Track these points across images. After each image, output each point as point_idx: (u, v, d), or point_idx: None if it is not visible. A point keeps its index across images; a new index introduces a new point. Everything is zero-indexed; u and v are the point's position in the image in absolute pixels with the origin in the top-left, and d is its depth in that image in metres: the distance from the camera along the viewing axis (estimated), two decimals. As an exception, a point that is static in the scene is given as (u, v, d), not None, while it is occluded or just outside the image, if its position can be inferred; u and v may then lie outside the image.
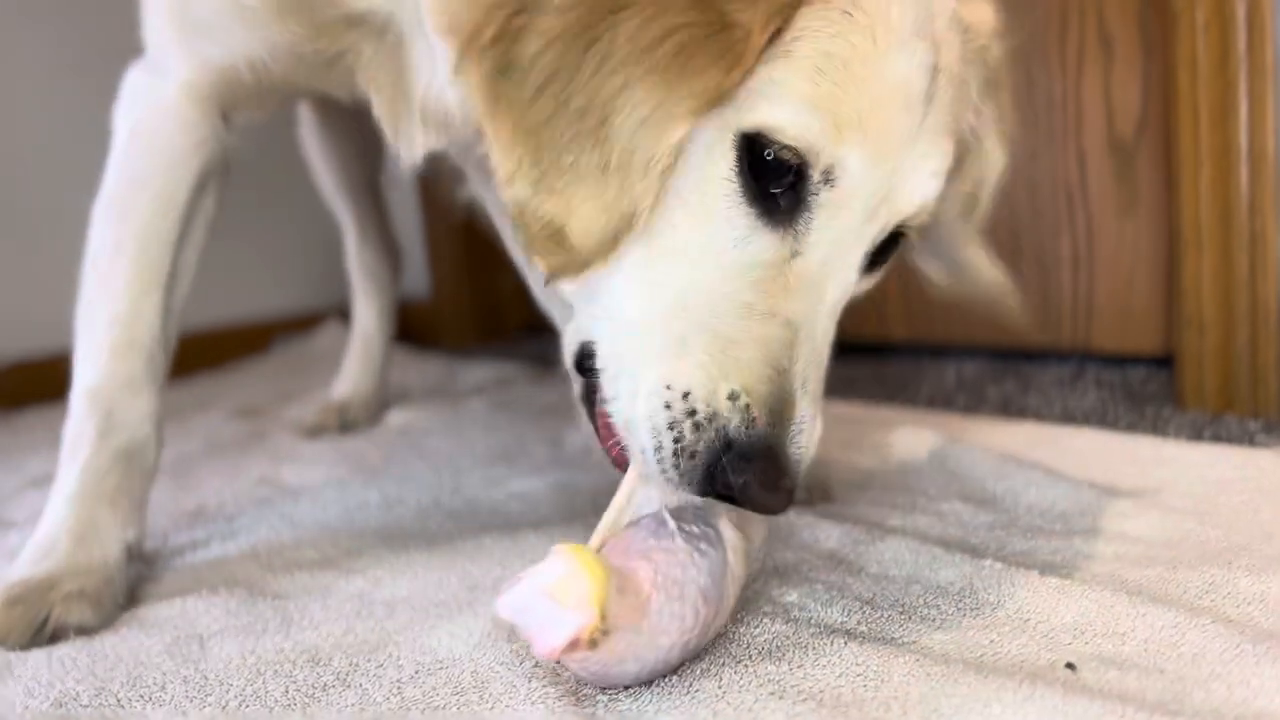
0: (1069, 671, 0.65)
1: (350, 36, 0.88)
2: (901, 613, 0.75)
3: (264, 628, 0.83)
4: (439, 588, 0.88)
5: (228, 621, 0.84)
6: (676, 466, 0.66)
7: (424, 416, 1.59)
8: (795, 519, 0.94)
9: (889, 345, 1.75)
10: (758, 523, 0.73)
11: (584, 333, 0.74)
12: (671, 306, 0.68)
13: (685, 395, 0.66)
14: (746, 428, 0.65)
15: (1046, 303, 1.55)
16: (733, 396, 0.65)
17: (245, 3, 0.87)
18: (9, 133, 1.90)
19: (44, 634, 0.84)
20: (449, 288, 2.33)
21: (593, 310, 0.72)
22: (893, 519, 0.93)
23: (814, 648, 0.70)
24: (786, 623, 0.74)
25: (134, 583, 0.95)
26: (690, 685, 0.66)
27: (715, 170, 0.68)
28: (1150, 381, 1.41)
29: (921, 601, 0.77)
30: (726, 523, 0.68)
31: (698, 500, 0.67)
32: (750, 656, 0.70)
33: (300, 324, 2.29)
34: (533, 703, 0.66)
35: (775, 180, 0.67)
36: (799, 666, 0.68)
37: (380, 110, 0.90)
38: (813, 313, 0.68)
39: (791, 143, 0.66)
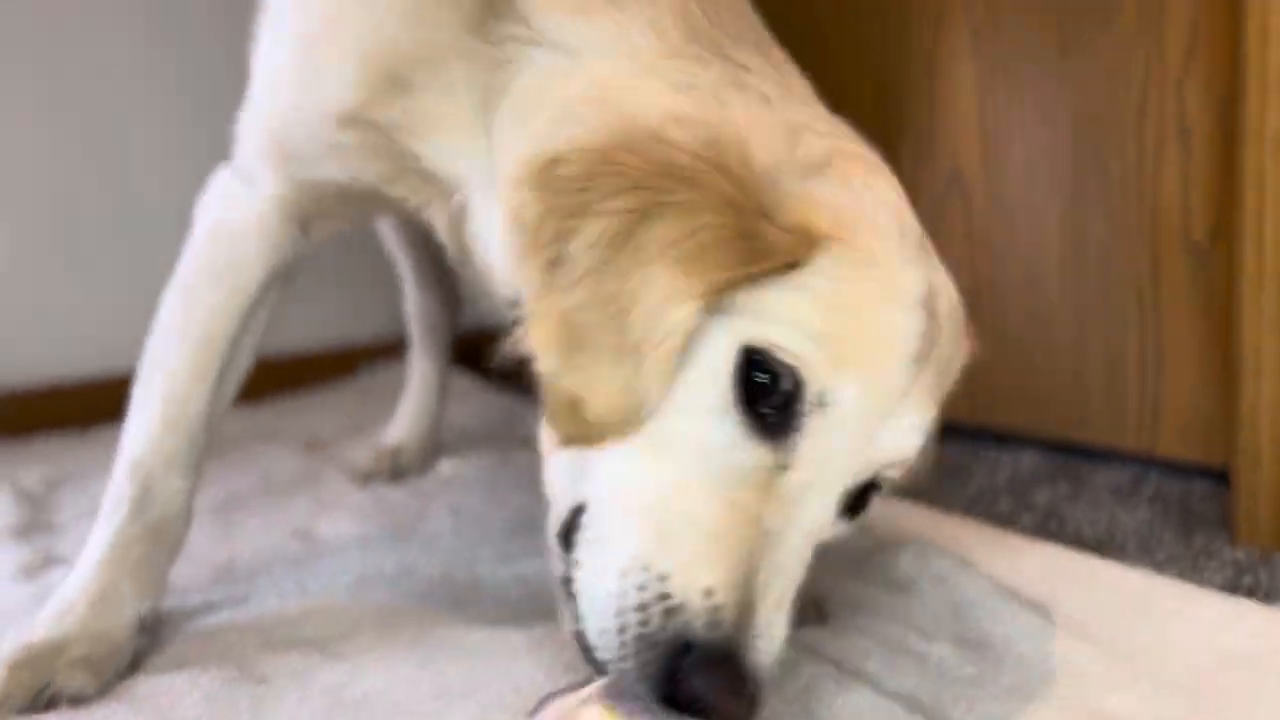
0: None
1: (427, 190, 0.95)
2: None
3: (234, 710, 0.86)
4: (410, 688, 0.90)
5: (203, 708, 0.88)
6: (637, 654, 0.67)
7: (471, 468, 1.62)
8: None
9: (950, 426, 1.69)
10: None
11: (578, 500, 0.76)
12: (660, 495, 0.71)
13: (662, 578, 0.67)
14: (712, 629, 0.66)
15: (1112, 402, 1.48)
16: (708, 593, 0.66)
17: (341, 142, 0.94)
18: (120, 139, 2.01)
19: (42, 699, 0.90)
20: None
21: (586, 486, 0.75)
22: (870, 662, 0.91)
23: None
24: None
25: (141, 651, 1.00)
26: None
27: (717, 372, 0.71)
28: (1211, 500, 1.33)
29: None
30: None
31: None
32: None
33: (388, 350, 2.36)
34: None
35: (769, 397, 0.71)
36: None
37: (443, 238, 1.00)
38: (790, 527, 0.71)
39: (792, 362, 0.70)
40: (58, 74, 1.97)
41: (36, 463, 1.71)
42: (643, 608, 0.67)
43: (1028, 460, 1.54)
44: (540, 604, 1.08)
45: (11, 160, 1.94)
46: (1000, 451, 1.59)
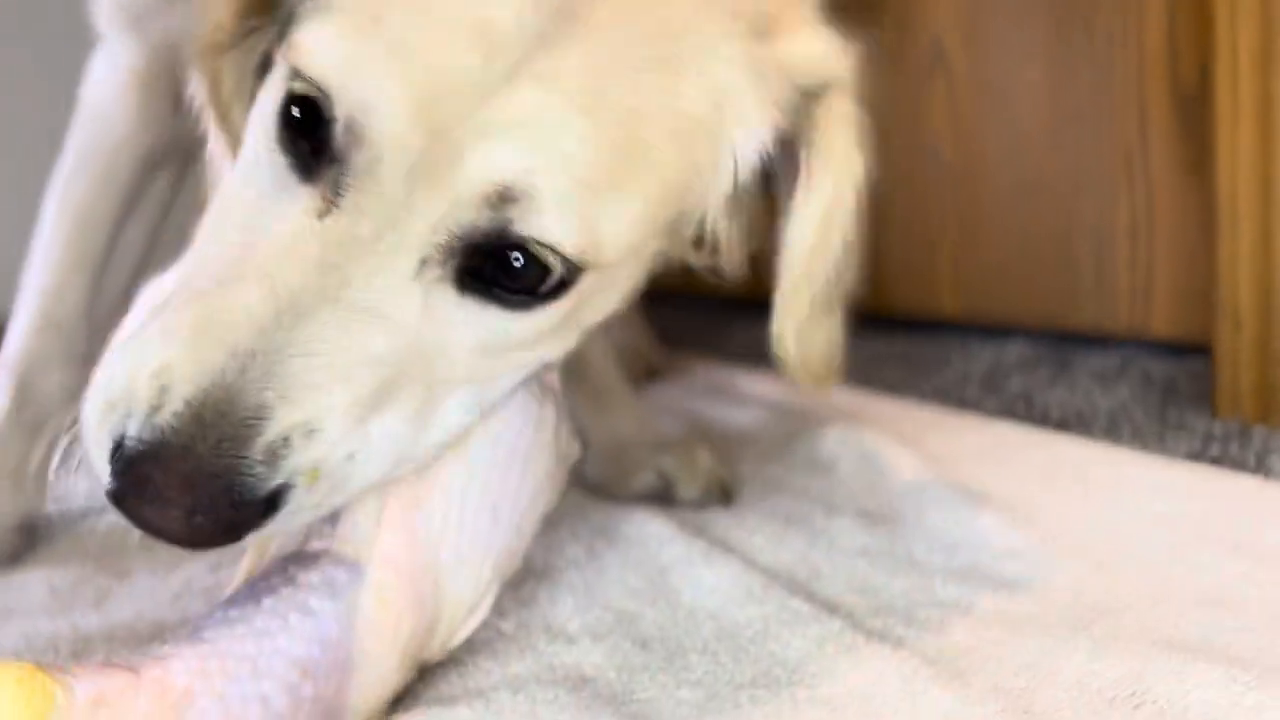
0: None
1: None
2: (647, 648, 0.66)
3: (67, 610, 0.82)
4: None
5: (43, 599, 0.84)
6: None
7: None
8: (633, 511, 0.86)
9: (937, 319, 1.58)
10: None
11: None
12: (190, 265, 0.58)
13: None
14: (147, 423, 0.49)
15: (1102, 282, 1.35)
16: (156, 375, 0.50)
17: None
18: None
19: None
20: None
21: None
22: (756, 537, 0.82)
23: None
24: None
25: (19, 550, 0.97)
26: None
27: (266, 117, 0.57)
28: (1200, 379, 1.20)
29: (692, 644, 0.67)
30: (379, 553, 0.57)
31: (330, 530, 0.57)
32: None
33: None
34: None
35: (314, 135, 0.54)
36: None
37: None
38: (332, 292, 0.52)
39: (315, 78, 0.53)
40: None
41: None
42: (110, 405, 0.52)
43: (1013, 350, 1.42)
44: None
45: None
46: (984, 342, 1.47)
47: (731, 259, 0.66)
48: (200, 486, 0.49)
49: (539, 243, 0.53)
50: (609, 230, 0.55)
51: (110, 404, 0.52)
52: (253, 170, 0.57)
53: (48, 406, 0.97)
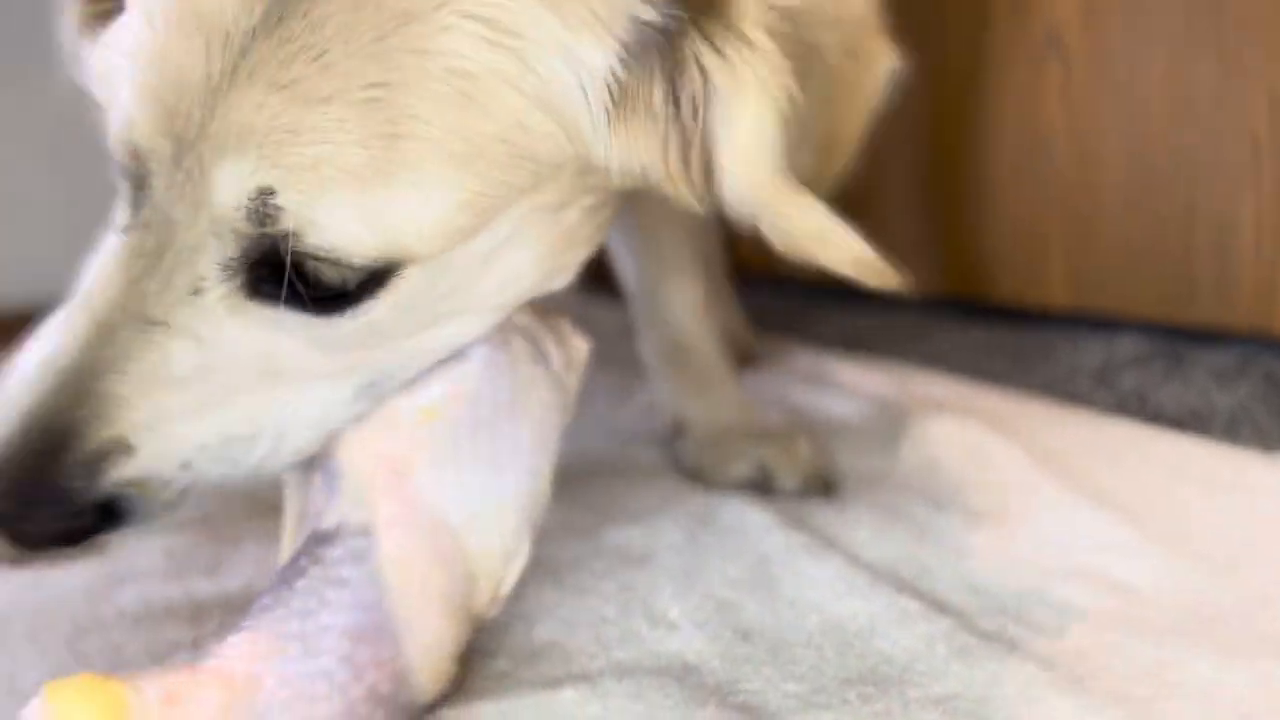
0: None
1: None
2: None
3: (182, 574, 0.85)
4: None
5: (159, 563, 0.87)
6: None
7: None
8: (731, 499, 0.86)
9: (1049, 312, 1.53)
10: None
11: None
12: None
13: None
14: None
15: (1223, 275, 1.29)
16: None
17: None
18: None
19: (22, 557, 0.91)
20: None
21: None
22: (859, 531, 0.81)
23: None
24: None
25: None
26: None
27: None
28: (1332, 380, 1.15)
29: (796, 637, 0.66)
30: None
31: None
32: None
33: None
34: None
35: None
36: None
37: None
38: (134, 308, 0.52)
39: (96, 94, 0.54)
40: None
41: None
42: None
43: (1124, 345, 1.37)
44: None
45: None
46: (1094, 336, 1.42)
47: (723, 182, 0.55)
48: (22, 498, 0.51)
49: (316, 258, 0.50)
50: (404, 220, 0.50)
51: None
52: None
53: None
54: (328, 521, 0.57)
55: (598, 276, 0.84)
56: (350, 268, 0.51)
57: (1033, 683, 0.59)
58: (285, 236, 0.49)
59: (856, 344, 1.46)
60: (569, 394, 0.67)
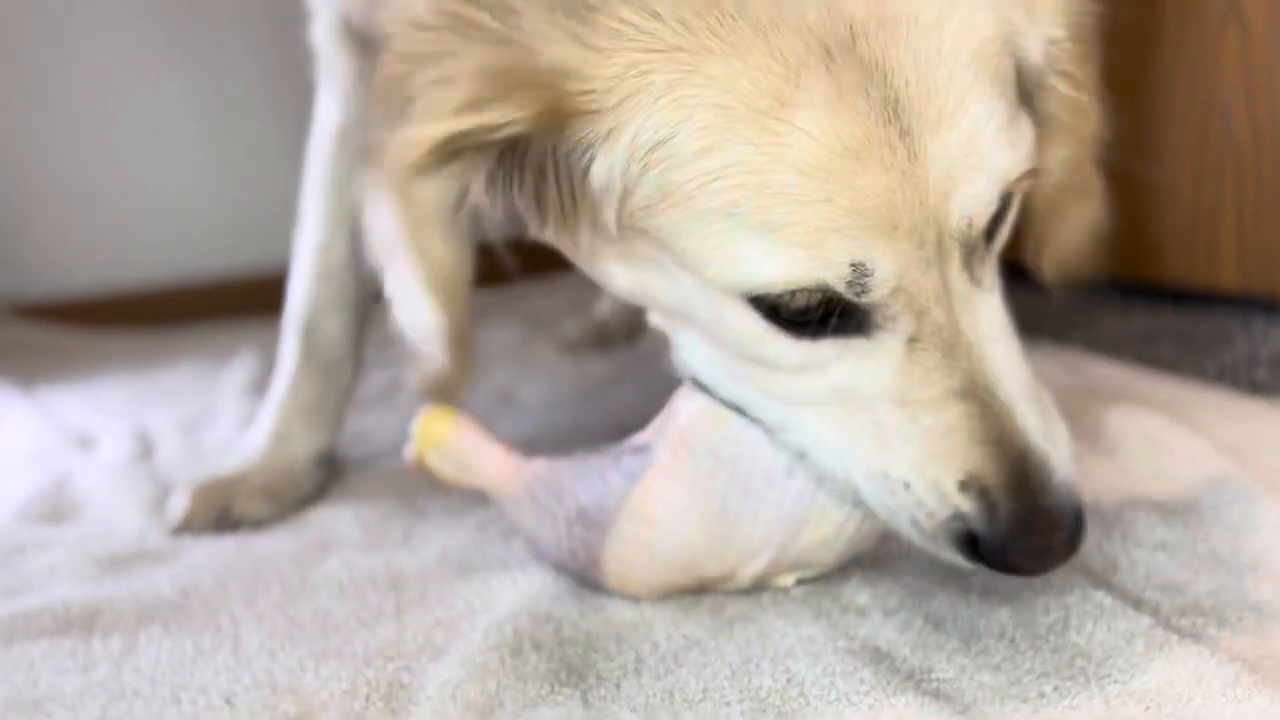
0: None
1: None
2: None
3: (379, 545, 0.90)
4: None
5: (356, 534, 0.92)
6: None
7: (664, 347, 1.60)
8: None
9: (1218, 294, 1.48)
10: None
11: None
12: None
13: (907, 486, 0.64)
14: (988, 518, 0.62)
15: None
16: (963, 485, 0.63)
17: None
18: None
19: (227, 522, 0.98)
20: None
21: None
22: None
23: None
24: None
25: (324, 481, 1.07)
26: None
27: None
28: None
29: (988, 627, 0.66)
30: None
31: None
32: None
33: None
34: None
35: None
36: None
37: None
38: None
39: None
40: None
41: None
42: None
43: (1305, 329, 1.31)
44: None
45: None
46: (1270, 321, 1.36)
47: None
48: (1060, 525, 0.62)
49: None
50: None
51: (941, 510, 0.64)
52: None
53: (333, 351, 1.07)
54: (642, 439, 0.73)
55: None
56: None
57: (1237, 682, 0.58)
58: None
59: (1017, 328, 1.43)
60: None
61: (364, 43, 0.97)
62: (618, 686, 0.64)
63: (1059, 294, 1.17)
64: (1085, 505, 0.64)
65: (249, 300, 2.04)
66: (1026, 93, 0.69)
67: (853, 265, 0.59)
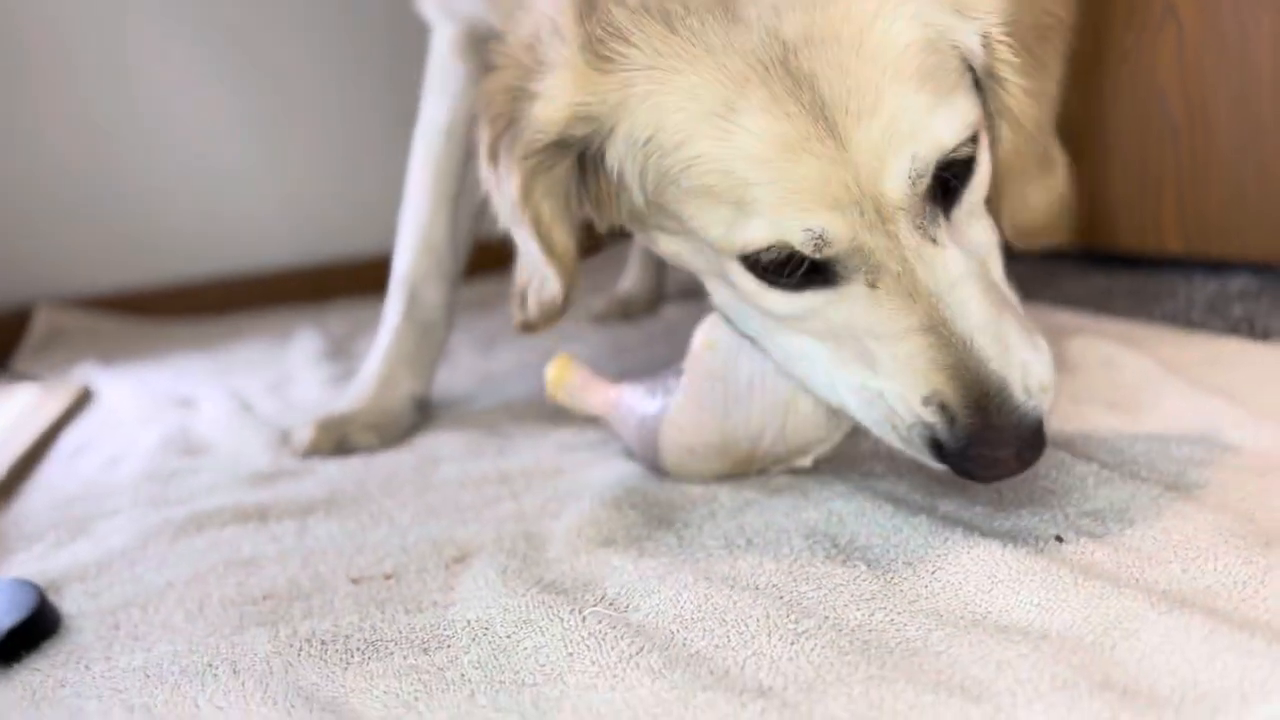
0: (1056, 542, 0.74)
1: None
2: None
3: (482, 454, 1.10)
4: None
5: (460, 451, 1.13)
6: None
7: (690, 315, 1.80)
8: None
9: (1164, 258, 1.70)
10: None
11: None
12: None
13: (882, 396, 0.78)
14: (951, 432, 0.75)
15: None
16: (926, 400, 0.75)
17: None
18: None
19: (343, 450, 1.18)
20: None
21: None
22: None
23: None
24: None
25: (419, 422, 1.27)
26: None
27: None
28: None
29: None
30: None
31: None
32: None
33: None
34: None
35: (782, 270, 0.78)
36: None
37: None
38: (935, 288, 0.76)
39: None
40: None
41: (339, 316, 2.07)
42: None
43: (1236, 282, 1.54)
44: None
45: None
46: (1208, 276, 1.59)
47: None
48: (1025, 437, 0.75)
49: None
50: None
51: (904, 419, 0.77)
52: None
53: (431, 312, 1.27)
54: (683, 365, 0.93)
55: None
56: None
57: (1162, 499, 0.79)
58: None
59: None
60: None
61: (479, 55, 1.15)
62: (700, 528, 0.85)
63: (1026, 259, 1.39)
64: (1047, 426, 0.76)
65: (295, 291, 2.25)
66: (980, 81, 0.81)
67: (805, 230, 0.74)
